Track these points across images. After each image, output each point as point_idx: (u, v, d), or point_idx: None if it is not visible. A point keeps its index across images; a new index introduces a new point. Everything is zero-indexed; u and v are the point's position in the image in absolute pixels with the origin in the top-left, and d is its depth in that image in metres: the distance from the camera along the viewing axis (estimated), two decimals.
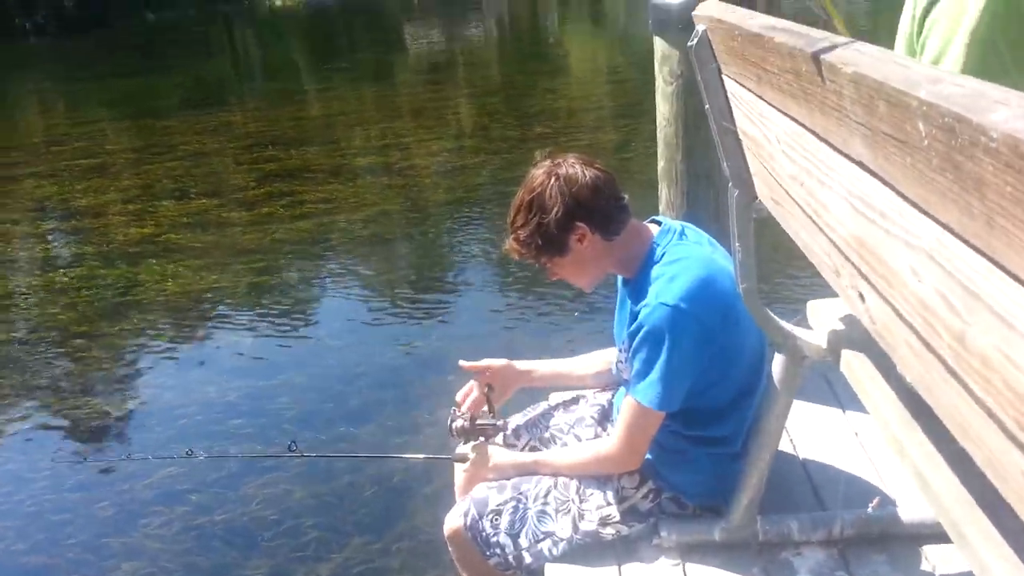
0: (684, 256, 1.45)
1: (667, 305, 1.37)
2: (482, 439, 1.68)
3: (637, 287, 1.48)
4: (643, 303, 1.41)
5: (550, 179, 1.45)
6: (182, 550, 2.39)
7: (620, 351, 1.58)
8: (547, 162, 1.49)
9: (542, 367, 1.82)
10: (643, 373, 1.42)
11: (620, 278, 1.60)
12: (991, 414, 0.59)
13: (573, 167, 1.46)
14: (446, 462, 1.83)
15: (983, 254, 0.55)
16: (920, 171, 0.61)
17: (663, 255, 1.46)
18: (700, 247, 1.50)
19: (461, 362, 1.76)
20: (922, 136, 0.58)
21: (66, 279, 4.85)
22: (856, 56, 0.72)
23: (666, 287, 1.39)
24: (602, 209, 1.46)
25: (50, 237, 6.03)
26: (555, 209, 1.43)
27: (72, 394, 3.46)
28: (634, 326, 1.43)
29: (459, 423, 1.68)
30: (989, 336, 0.55)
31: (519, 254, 1.50)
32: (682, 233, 1.51)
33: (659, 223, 1.54)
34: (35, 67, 21.00)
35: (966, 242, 0.57)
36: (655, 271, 1.44)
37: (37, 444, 3.09)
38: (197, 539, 2.43)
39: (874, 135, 0.69)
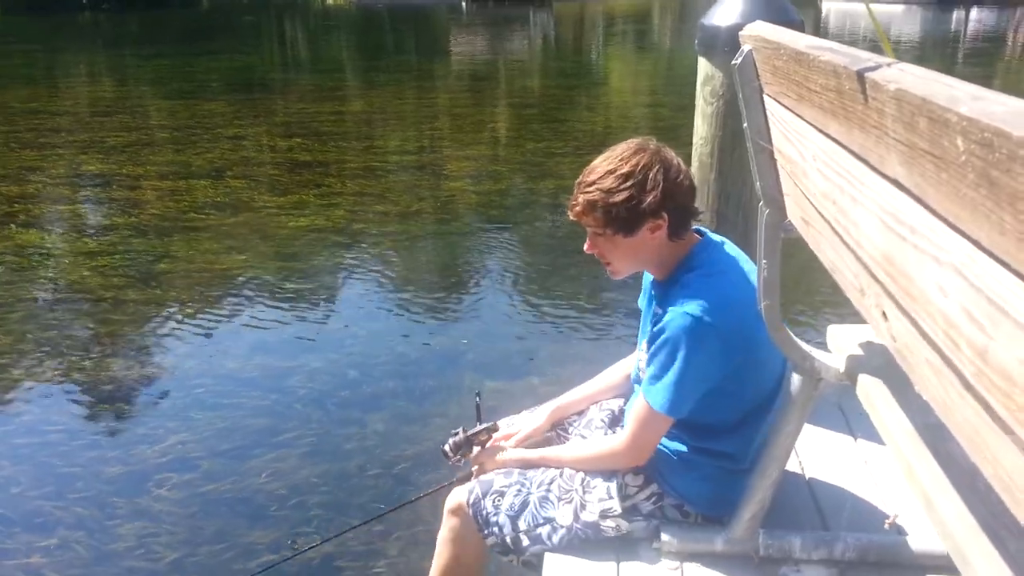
0: (719, 271, 1.44)
1: (691, 315, 1.37)
2: (478, 448, 1.72)
3: (667, 290, 1.48)
4: (670, 308, 1.41)
5: (654, 161, 1.40)
6: (187, 514, 2.43)
7: (641, 350, 1.59)
8: (651, 143, 1.43)
9: (572, 396, 1.80)
10: (657, 376, 1.43)
11: (649, 277, 1.59)
12: (1008, 431, 0.60)
13: (677, 161, 1.43)
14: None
15: (1011, 269, 0.55)
16: (955, 187, 0.62)
17: (699, 265, 1.45)
18: (737, 264, 1.49)
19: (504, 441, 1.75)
20: (960, 151, 0.59)
21: (97, 245, 4.95)
22: (899, 75, 0.73)
23: (694, 298, 1.39)
24: (687, 211, 1.45)
25: (86, 204, 6.16)
26: (653, 192, 1.38)
27: (92, 355, 3.52)
28: (657, 328, 1.43)
29: (452, 440, 1.71)
30: (1013, 350, 0.56)
31: (585, 214, 1.43)
32: (721, 247, 1.51)
33: (701, 233, 1.54)
34: (88, 39, 21.51)
35: (995, 257, 0.58)
36: (687, 279, 1.43)
37: (54, 399, 3.15)
38: (203, 505, 2.47)
39: (912, 152, 0.70)
